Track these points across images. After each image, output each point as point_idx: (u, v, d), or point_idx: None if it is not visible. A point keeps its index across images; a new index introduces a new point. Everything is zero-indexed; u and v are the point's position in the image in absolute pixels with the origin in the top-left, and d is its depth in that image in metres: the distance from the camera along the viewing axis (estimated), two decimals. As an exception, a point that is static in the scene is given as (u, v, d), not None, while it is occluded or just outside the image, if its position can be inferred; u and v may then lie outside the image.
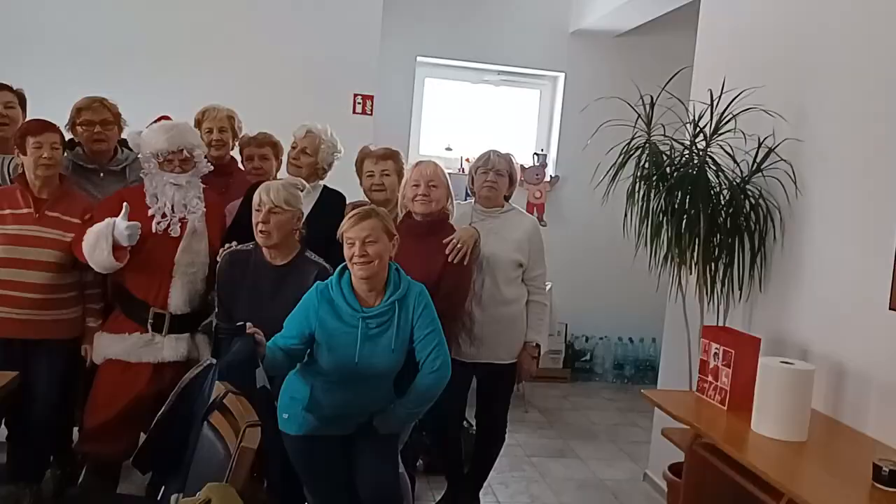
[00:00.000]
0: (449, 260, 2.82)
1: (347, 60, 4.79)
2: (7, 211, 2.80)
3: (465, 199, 3.34)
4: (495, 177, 3.12)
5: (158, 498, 2.24)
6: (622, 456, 4.27)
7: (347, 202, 3.22)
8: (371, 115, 4.87)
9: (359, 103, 4.86)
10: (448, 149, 5.83)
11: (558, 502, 3.60)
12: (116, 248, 2.70)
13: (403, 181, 2.97)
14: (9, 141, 2.98)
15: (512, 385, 3.24)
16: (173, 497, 1.78)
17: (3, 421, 3.02)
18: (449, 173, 3.03)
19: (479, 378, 3.16)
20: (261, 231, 2.66)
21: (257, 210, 2.66)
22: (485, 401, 3.22)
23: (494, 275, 3.04)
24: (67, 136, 3.07)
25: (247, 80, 4.51)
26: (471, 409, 3.31)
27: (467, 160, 5.49)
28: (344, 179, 3.30)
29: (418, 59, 5.63)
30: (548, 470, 3.98)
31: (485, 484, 3.37)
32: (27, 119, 3.15)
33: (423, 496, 3.41)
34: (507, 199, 3.21)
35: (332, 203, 3.14)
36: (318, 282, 2.49)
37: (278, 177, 3.27)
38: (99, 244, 2.70)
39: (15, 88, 3.28)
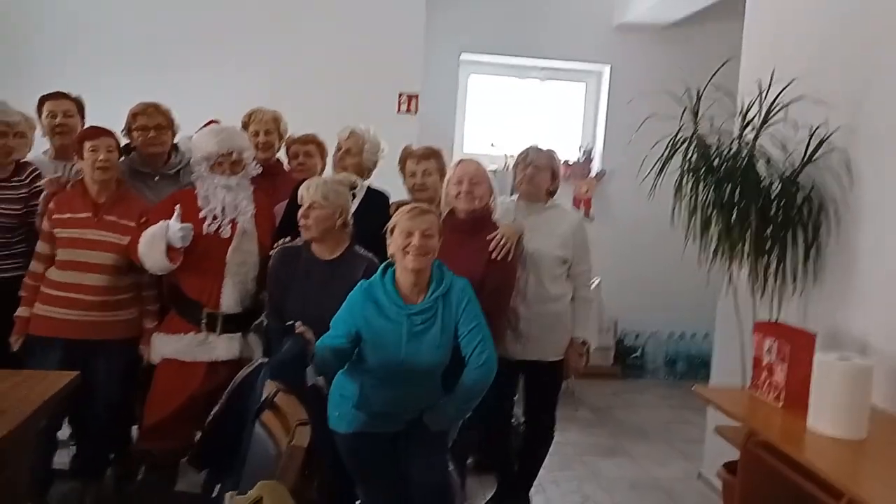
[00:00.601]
0: (493, 257, 2.81)
1: (392, 60, 4.82)
2: (67, 215, 2.89)
3: (510, 197, 3.33)
4: (534, 171, 3.11)
5: (213, 496, 2.30)
6: (675, 455, 4.20)
7: (391, 202, 3.24)
8: (415, 113, 4.89)
9: (403, 102, 4.89)
10: (493, 145, 5.82)
11: (611, 502, 3.57)
12: (170, 249, 2.77)
13: (446, 179, 2.98)
14: (69, 148, 3.10)
15: (559, 383, 3.22)
16: (227, 495, 1.82)
17: (67, 420, 3.13)
18: (493, 170, 3.04)
19: (527, 376, 3.16)
20: (301, 225, 2.72)
21: (300, 205, 2.73)
22: (533, 399, 3.21)
23: (539, 271, 3.02)
24: (124, 141, 3.16)
25: (292, 82, 4.57)
26: (519, 406, 3.30)
27: (512, 157, 5.47)
28: (390, 179, 3.33)
29: (462, 56, 5.63)
30: (599, 469, 3.94)
31: (535, 482, 3.34)
32: (85, 126, 3.25)
33: (474, 494, 3.40)
34: (551, 194, 3.19)
35: (376, 203, 3.17)
36: (362, 280, 2.51)
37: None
38: (153, 246, 2.78)
39: (73, 96, 3.40)
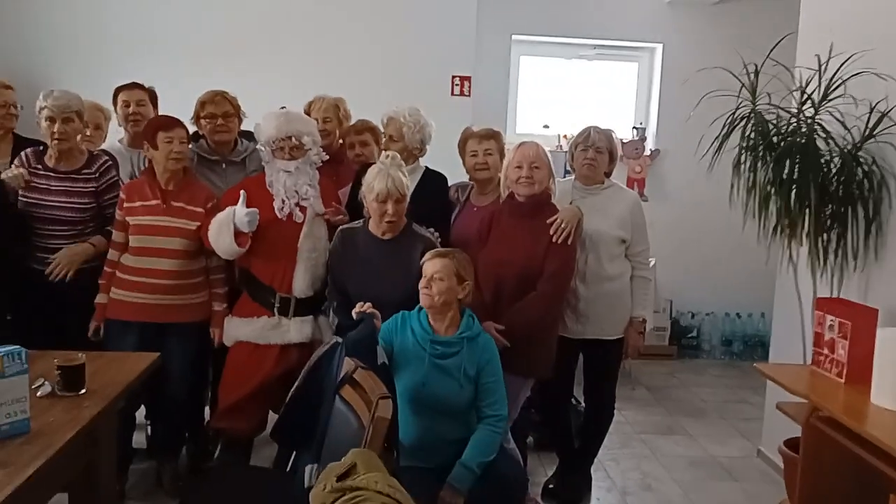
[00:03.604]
0: (553, 240, 2.85)
1: (444, 43, 4.84)
2: (138, 203, 2.98)
3: (564, 177, 3.35)
4: (595, 154, 3.12)
5: (288, 469, 2.42)
6: (734, 433, 4.20)
7: (450, 183, 3.30)
8: (469, 96, 4.91)
9: (457, 85, 4.91)
10: (545, 126, 5.82)
11: (671, 479, 3.59)
12: (238, 234, 2.84)
13: (505, 162, 2.99)
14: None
15: (619, 361, 3.25)
16: (308, 468, 1.91)
17: (144, 399, 3.26)
18: (547, 151, 3.05)
19: (586, 354, 3.20)
20: (388, 221, 2.78)
21: (382, 202, 2.75)
22: (592, 377, 3.26)
23: (598, 251, 3.05)
24: (192, 128, 3.25)
25: (347, 69, 4.62)
26: (578, 386, 3.35)
27: (565, 137, 5.47)
28: (446, 161, 3.36)
29: (513, 37, 5.62)
30: (658, 447, 3.97)
31: (595, 460, 3.40)
32: (157, 115, 3.37)
33: (535, 471, 3.46)
34: (607, 175, 3.20)
35: (434, 184, 3.22)
36: (402, 311, 2.61)
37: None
38: (222, 232, 2.86)
39: (146, 87, 3.53)
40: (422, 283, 2.53)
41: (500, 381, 2.58)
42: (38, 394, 2.09)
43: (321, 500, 1.39)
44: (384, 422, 1.70)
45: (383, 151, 3.26)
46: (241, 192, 2.88)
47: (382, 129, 3.31)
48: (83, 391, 2.13)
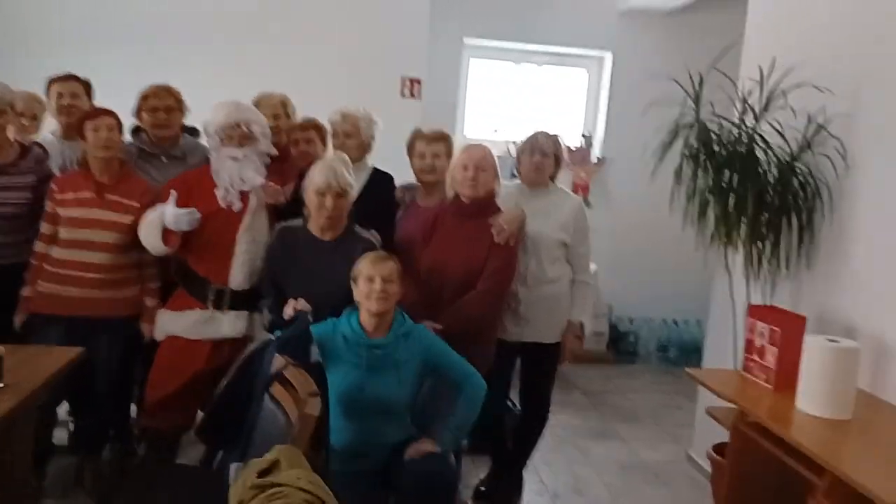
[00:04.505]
0: (495, 241, 2.85)
1: (395, 44, 4.81)
2: (70, 195, 2.91)
3: (511, 179, 3.36)
4: (541, 158, 3.13)
5: (214, 468, 2.35)
6: (665, 437, 4.27)
7: (396, 184, 3.28)
8: (419, 98, 4.89)
9: (406, 87, 4.89)
10: (495, 131, 5.84)
11: (601, 482, 3.63)
12: (167, 233, 2.80)
13: (452, 163, 3.00)
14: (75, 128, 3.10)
15: (556, 365, 3.26)
16: (233, 465, 1.87)
17: (67, 396, 3.15)
18: (495, 156, 3.05)
19: (524, 357, 3.20)
20: (330, 217, 2.74)
21: (322, 195, 2.72)
22: (529, 380, 3.26)
23: (539, 254, 3.06)
24: (134, 122, 3.19)
25: (294, 65, 4.55)
26: (514, 389, 3.35)
27: (513, 143, 5.49)
28: (393, 161, 3.33)
29: (465, 40, 5.63)
30: (590, 451, 4.01)
31: (528, 463, 3.41)
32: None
33: (468, 474, 3.45)
34: (552, 179, 3.22)
35: (381, 183, 3.20)
36: (330, 318, 2.57)
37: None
38: (150, 232, 2.82)
39: (81, 78, 3.41)
40: (374, 286, 2.48)
41: (449, 353, 2.59)
42: (-47, 386, 1.99)
43: (240, 496, 1.35)
44: (312, 419, 1.67)
45: (336, 150, 3.24)
46: (171, 192, 2.83)
47: (332, 127, 3.27)
48: (1, 385, 2.05)
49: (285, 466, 1.38)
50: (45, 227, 2.92)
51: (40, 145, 3.24)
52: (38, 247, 2.92)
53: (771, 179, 2.95)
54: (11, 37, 4.49)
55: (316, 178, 2.73)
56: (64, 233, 2.90)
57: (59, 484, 3.09)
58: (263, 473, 1.37)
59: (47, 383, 2.19)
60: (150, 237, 2.83)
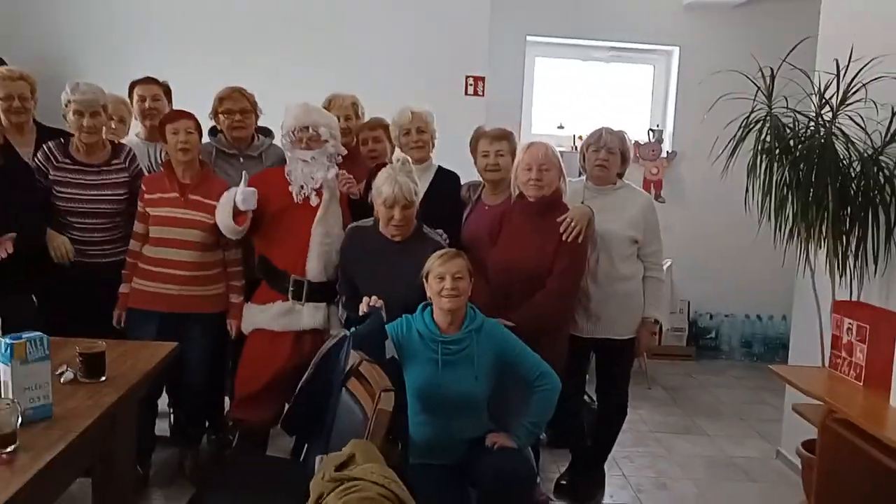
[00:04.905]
0: (563, 239, 2.86)
1: (458, 43, 4.85)
2: (157, 195, 3.06)
3: (578, 177, 3.36)
4: (607, 154, 3.12)
5: (301, 459, 2.46)
6: (752, 434, 4.18)
7: (462, 182, 3.33)
8: (483, 96, 4.91)
9: (470, 85, 4.93)
10: (560, 127, 5.82)
11: (686, 478, 3.58)
12: (237, 213, 2.93)
13: (515, 162, 3.01)
14: (157, 130, 3.25)
15: (630, 360, 3.26)
16: (317, 458, 1.94)
17: (166, 389, 3.33)
18: (561, 151, 3.04)
19: (598, 354, 3.21)
20: (398, 227, 2.81)
21: (389, 207, 2.78)
22: (604, 376, 3.27)
23: (609, 252, 3.06)
24: (211, 123, 3.34)
25: (361, 67, 4.64)
26: (591, 384, 3.35)
27: (580, 138, 5.47)
28: (458, 160, 3.40)
29: (528, 38, 5.64)
30: (674, 446, 3.96)
31: (609, 458, 3.41)
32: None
33: (548, 469, 3.48)
34: (619, 176, 3.21)
35: (447, 183, 3.26)
36: (405, 314, 2.62)
37: (393, 159, 3.39)
38: (224, 209, 2.95)
39: (161, 81, 3.60)
40: (445, 285, 2.53)
41: (524, 349, 2.61)
42: (62, 380, 2.14)
43: (320, 489, 1.42)
44: (386, 414, 1.73)
45: (399, 146, 3.30)
46: (244, 172, 2.97)
47: (402, 126, 3.32)
48: (104, 378, 2.19)
49: (361, 460, 1.45)
50: (137, 226, 3.09)
51: (124, 144, 3.38)
52: (132, 245, 3.09)
53: (852, 173, 2.86)
54: (88, 38, 4.72)
55: (384, 190, 2.79)
56: (153, 231, 3.05)
57: (163, 473, 3.28)
58: (341, 467, 1.44)
59: (146, 377, 2.31)
60: (222, 216, 2.96)
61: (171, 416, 3.47)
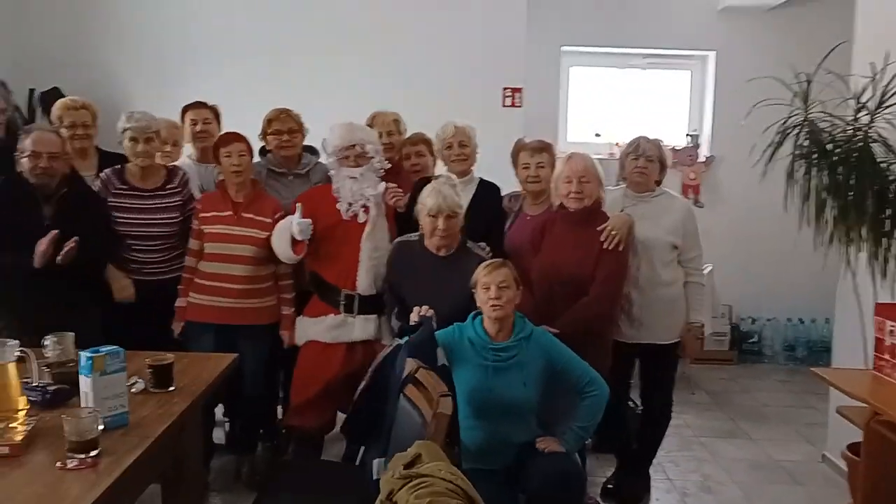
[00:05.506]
0: (604, 247, 2.93)
1: (495, 55, 4.91)
2: (212, 213, 3.22)
3: (616, 185, 3.43)
4: (646, 163, 3.18)
5: (357, 463, 2.56)
6: (797, 438, 4.18)
7: (503, 193, 3.41)
8: (520, 107, 4.98)
9: (508, 96, 4.99)
10: (597, 135, 5.88)
11: (732, 481, 3.60)
12: (294, 242, 3.05)
13: (555, 174, 3.08)
14: (209, 151, 3.44)
15: (674, 365, 3.31)
16: (376, 461, 2.04)
17: (222, 398, 3.46)
18: (599, 159, 3.11)
19: (642, 359, 3.26)
20: (444, 237, 2.91)
21: (434, 217, 2.89)
22: (648, 381, 3.32)
23: (650, 258, 3.11)
24: (259, 144, 3.48)
25: (400, 83, 4.73)
26: (636, 389, 3.40)
27: (617, 145, 5.52)
28: (498, 171, 3.48)
29: (563, 48, 5.71)
30: (718, 450, 3.98)
31: (654, 462, 3.45)
32: (222, 132, 3.58)
33: (594, 472, 3.52)
34: (658, 183, 3.26)
35: (488, 195, 3.35)
36: (455, 322, 2.71)
37: (436, 173, 3.49)
38: (281, 239, 3.08)
39: (210, 105, 3.77)
40: (490, 294, 2.61)
41: (572, 357, 2.67)
42: (133, 390, 2.27)
43: (390, 486, 1.51)
44: (445, 417, 1.82)
45: (447, 162, 3.40)
46: (298, 204, 3.08)
47: (445, 140, 3.43)
48: (172, 388, 2.31)
49: (427, 459, 1.53)
50: (192, 243, 3.24)
51: (178, 167, 3.54)
52: (188, 261, 3.24)
53: (891, 176, 2.88)
54: (142, 66, 4.90)
55: (429, 201, 2.90)
56: (208, 247, 3.20)
57: (221, 479, 3.41)
58: (408, 466, 1.53)
59: (211, 386, 2.43)
60: (280, 246, 3.09)
61: (227, 424, 3.61)
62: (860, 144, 2.92)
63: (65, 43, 4.83)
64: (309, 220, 3.04)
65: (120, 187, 3.26)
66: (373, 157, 3.18)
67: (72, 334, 2.40)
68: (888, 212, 2.92)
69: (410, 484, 1.51)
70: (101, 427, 1.86)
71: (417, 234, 3.04)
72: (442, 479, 1.50)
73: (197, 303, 3.20)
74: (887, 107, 2.89)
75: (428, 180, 3.13)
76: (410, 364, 2.15)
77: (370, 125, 3.64)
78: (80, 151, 3.42)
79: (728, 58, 5.62)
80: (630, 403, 3.58)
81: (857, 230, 2.95)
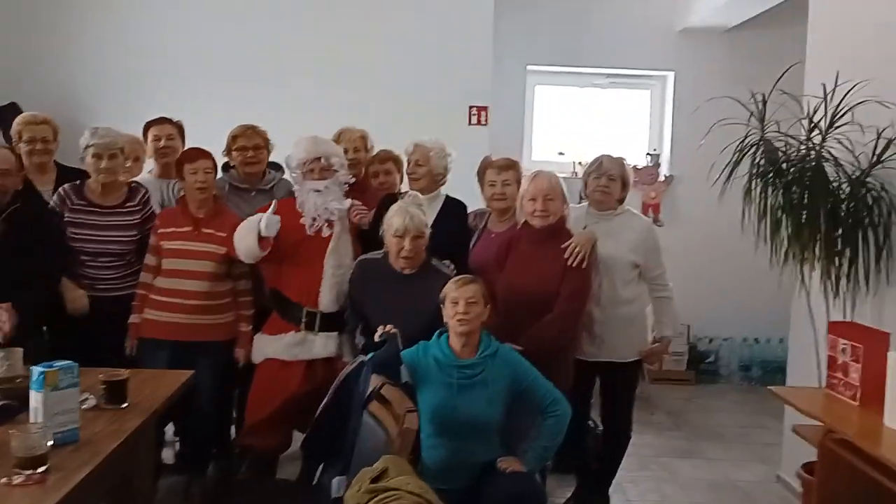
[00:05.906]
0: (568, 264, 2.95)
1: (461, 74, 4.97)
2: (171, 229, 3.19)
3: (579, 202, 3.46)
4: (608, 181, 3.22)
5: (313, 483, 2.51)
6: (753, 457, 4.22)
7: (468, 210, 3.42)
8: (486, 125, 5.04)
9: (474, 115, 5.04)
10: (560, 153, 5.94)
11: (689, 502, 3.62)
12: (261, 239, 3.01)
13: (520, 192, 3.11)
14: (171, 167, 3.41)
15: (634, 383, 3.33)
16: (335, 480, 2.01)
17: (172, 416, 3.39)
18: (562, 177, 3.14)
19: (602, 377, 3.27)
20: (407, 258, 2.90)
21: (400, 237, 2.88)
22: (608, 399, 3.33)
23: (612, 276, 3.14)
24: (223, 160, 3.45)
25: (366, 99, 4.74)
26: (596, 409, 3.41)
27: (580, 164, 5.58)
28: (463, 189, 3.50)
29: (528, 67, 5.79)
30: (676, 470, 4.01)
31: (614, 482, 3.44)
32: (186, 147, 3.56)
33: (553, 493, 3.48)
34: (620, 201, 3.29)
35: (454, 211, 3.36)
36: (421, 341, 2.70)
37: (402, 189, 3.49)
38: (247, 234, 3.04)
39: (174, 120, 3.73)
40: (458, 309, 2.60)
41: (537, 375, 2.67)
42: (83, 406, 2.20)
43: (356, 500, 1.49)
44: (411, 433, 1.80)
45: (406, 177, 3.41)
46: (273, 201, 3.07)
47: (406, 157, 3.44)
48: (125, 405, 2.26)
49: (394, 473, 1.52)
50: (149, 259, 3.20)
51: (141, 185, 3.49)
52: (144, 277, 3.20)
53: (842, 195, 2.96)
54: (103, 79, 4.86)
55: (394, 221, 2.91)
56: (166, 263, 3.17)
57: (168, 499, 3.31)
58: (375, 480, 1.51)
59: (165, 403, 2.39)
60: (247, 239, 3.03)
61: (177, 444, 3.52)
62: (813, 164, 2.99)
63: (23, 57, 4.76)
64: (278, 218, 3.02)
65: (78, 203, 3.20)
66: (338, 171, 3.18)
67: (20, 349, 2.35)
68: (840, 231, 2.98)
69: (377, 498, 1.50)
70: (50, 443, 1.81)
71: (381, 252, 3.02)
72: (410, 493, 1.49)
73: (152, 319, 3.15)
74: (837, 126, 2.97)
75: (394, 197, 3.13)
76: (376, 380, 2.14)
77: (337, 141, 3.64)
78: (39, 166, 3.37)
79: (687, 78, 5.74)
80: (590, 423, 3.58)
81: (811, 249, 3.01)
